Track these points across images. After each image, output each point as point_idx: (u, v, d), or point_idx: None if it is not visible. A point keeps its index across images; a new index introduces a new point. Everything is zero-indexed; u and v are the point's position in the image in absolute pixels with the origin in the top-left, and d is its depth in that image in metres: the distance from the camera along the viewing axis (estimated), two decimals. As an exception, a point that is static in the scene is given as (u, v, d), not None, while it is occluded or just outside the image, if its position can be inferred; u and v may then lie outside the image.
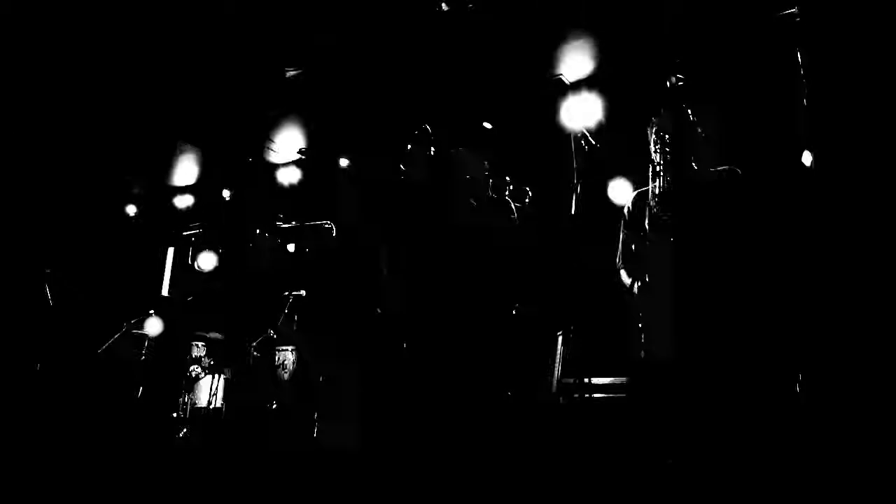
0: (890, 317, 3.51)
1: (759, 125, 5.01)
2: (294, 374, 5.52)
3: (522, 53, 5.47)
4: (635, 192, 3.11)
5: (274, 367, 5.68)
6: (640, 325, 2.96)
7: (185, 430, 5.58)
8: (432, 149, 3.88)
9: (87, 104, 6.34)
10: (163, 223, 8.74)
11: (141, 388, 5.91)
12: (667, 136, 2.93)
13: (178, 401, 5.86)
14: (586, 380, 4.50)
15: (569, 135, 3.34)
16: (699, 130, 3.14)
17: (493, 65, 5.61)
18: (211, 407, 5.77)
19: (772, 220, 3.77)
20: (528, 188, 4.23)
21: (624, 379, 4.89)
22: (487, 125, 5.71)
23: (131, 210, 8.66)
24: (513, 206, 4.25)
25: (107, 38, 5.41)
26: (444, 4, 4.97)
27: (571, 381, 4.95)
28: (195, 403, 5.93)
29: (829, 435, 3.06)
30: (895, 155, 4.24)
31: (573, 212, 3.15)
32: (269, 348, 5.75)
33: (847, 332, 3.72)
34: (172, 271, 8.96)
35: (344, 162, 7.09)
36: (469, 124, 5.78)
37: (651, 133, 3.03)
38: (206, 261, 8.22)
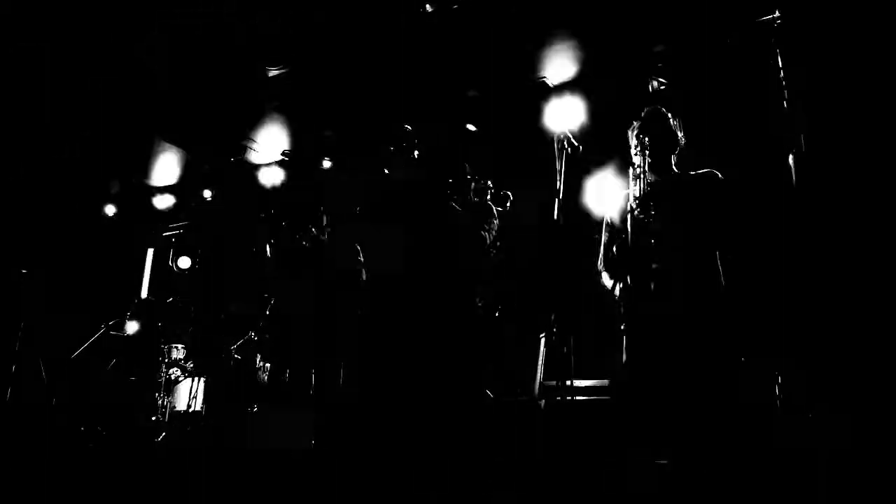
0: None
1: (739, 127, 5.06)
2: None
3: (506, 55, 5.47)
4: (616, 195, 3.12)
5: (254, 370, 5.62)
6: (621, 328, 2.96)
7: (164, 433, 5.51)
8: (414, 150, 3.86)
9: (67, 102, 6.25)
10: (143, 224, 8.64)
11: (117, 392, 5.83)
12: (647, 139, 2.93)
13: (156, 404, 5.79)
14: (568, 382, 4.50)
15: (552, 137, 3.34)
16: (680, 134, 3.15)
17: (477, 66, 5.60)
18: (190, 410, 5.71)
19: (753, 220, 3.80)
20: (509, 192, 4.22)
21: (606, 381, 4.91)
22: (471, 127, 5.71)
23: (110, 210, 8.51)
24: (494, 209, 4.24)
25: (88, 36, 5.33)
26: (428, 5, 4.96)
27: (554, 383, 4.95)
28: (174, 407, 5.86)
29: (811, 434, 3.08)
30: (876, 155, 4.30)
31: (556, 214, 3.14)
32: (250, 351, 5.69)
33: (833, 333, 3.76)
34: (152, 273, 8.86)
35: (327, 163, 7.07)
36: (452, 126, 5.78)
37: (632, 136, 3.03)
38: (186, 261, 8.14)
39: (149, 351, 6.08)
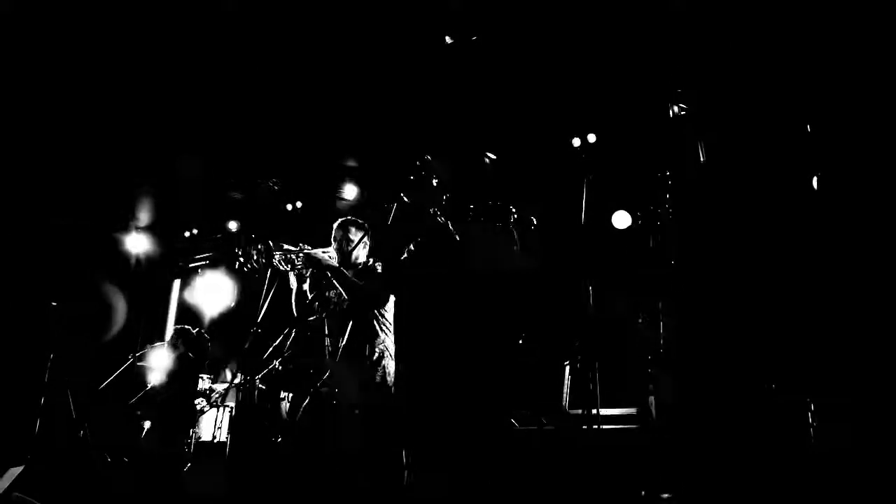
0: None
1: (759, 151, 5.02)
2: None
3: (526, 84, 5.51)
4: (638, 224, 3.12)
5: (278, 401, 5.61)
6: (648, 357, 2.94)
7: (189, 464, 5.52)
8: (434, 179, 3.90)
9: (89, 130, 6.30)
10: (169, 255, 8.75)
11: (146, 423, 5.85)
12: (668, 173, 2.94)
13: (182, 435, 5.80)
14: (594, 411, 4.44)
15: (575, 164, 3.35)
16: (702, 156, 3.15)
17: (498, 97, 5.65)
18: (215, 441, 5.71)
19: (776, 249, 3.76)
20: (532, 217, 4.22)
21: (633, 410, 4.84)
22: (491, 156, 5.73)
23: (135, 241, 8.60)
24: (516, 235, 4.25)
25: (110, 55, 5.38)
26: (447, 37, 5.04)
27: (580, 411, 4.89)
28: (199, 437, 5.87)
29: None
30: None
31: (579, 243, 3.14)
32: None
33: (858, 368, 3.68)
34: (178, 303, 8.95)
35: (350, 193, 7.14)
36: (472, 155, 5.80)
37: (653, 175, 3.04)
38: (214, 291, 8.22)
39: (186, 381, 6.04)
